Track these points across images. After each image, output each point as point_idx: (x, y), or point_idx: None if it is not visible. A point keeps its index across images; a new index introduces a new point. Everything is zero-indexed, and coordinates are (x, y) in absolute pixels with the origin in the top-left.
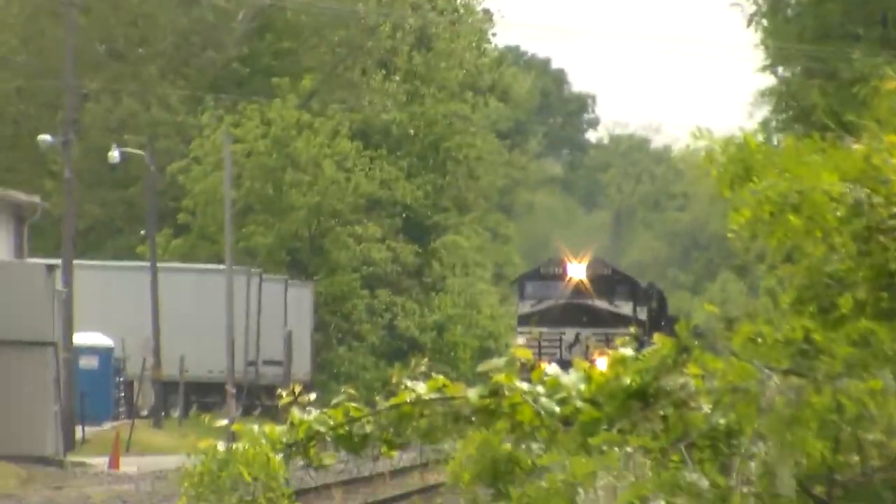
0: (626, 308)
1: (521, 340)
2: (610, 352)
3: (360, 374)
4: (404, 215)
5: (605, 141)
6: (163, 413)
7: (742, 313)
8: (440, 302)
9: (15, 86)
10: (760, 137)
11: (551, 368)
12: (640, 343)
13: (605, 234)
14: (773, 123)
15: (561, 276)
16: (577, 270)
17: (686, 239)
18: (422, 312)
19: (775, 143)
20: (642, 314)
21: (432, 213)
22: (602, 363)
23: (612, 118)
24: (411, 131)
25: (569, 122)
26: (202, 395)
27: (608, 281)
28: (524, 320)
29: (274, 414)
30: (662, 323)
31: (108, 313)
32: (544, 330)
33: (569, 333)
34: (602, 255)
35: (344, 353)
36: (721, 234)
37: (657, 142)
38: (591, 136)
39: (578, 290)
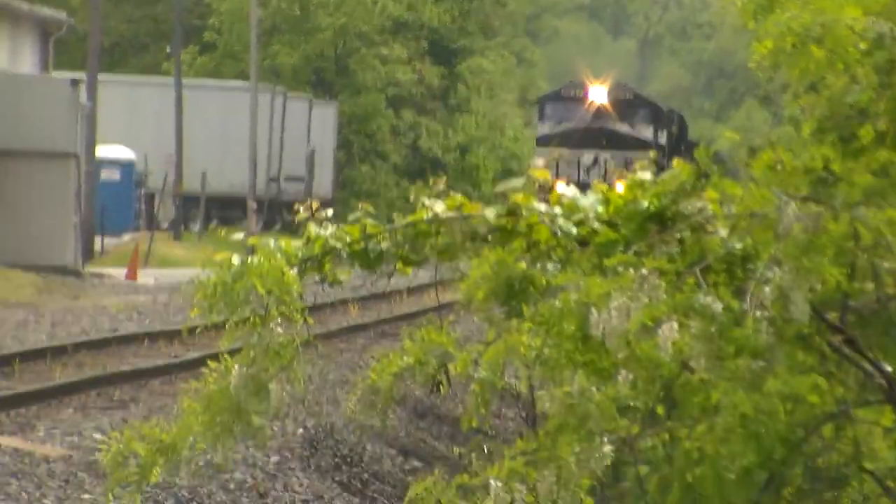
0: (646, 132)
1: (539, 161)
2: (629, 175)
3: (381, 191)
4: (430, 38)
5: None
6: (182, 226)
7: (763, 141)
8: (464, 123)
9: None
10: None
11: (568, 190)
12: (659, 167)
13: (632, 61)
14: None
15: (582, 99)
16: (598, 93)
17: (711, 68)
18: (445, 133)
19: None
20: (662, 139)
21: (458, 37)
22: (621, 187)
23: None
24: None
25: None
26: (223, 210)
27: (629, 105)
28: (543, 141)
29: (294, 230)
30: (682, 148)
31: (131, 128)
32: (563, 151)
33: (587, 155)
34: (625, 80)
35: (366, 171)
36: (746, 63)
37: None
38: None
39: (599, 112)
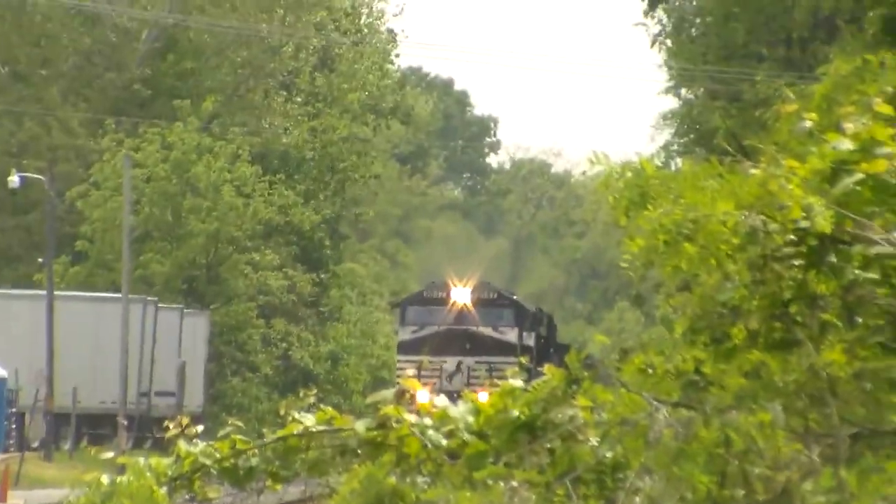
0: (511, 335)
1: (409, 371)
2: (496, 383)
3: (253, 405)
4: (301, 243)
5: (507, 165)
6: (53, 445)
7: (635, 344)
8: (335, 332)
9: None
10: (660, 162)
11: (440, 399)
12: (528, 372)
13: (505, 261)
14: (675, 147)
15: (444, 301)
16: (461, 294)
17: (584, 267)
18: (316, 343)
19: (676, 166)
20: (529, 340)
21: (329, 240)
22: (485, 396)
23: (514, 141)
24: (308, 153)
25: (470, 145)
26: (94, 427)
27: (493, 305)
28: (404, 348)
29: (165, 447)
30: (552, 350)
31: (2, 343)
32: (424, 358)
33: (450, 362)
34: (491, 280)
35: (237, 385)
36: (618, 262)
37: (558, 166)
38: (493, 160)
39: (462, 315)
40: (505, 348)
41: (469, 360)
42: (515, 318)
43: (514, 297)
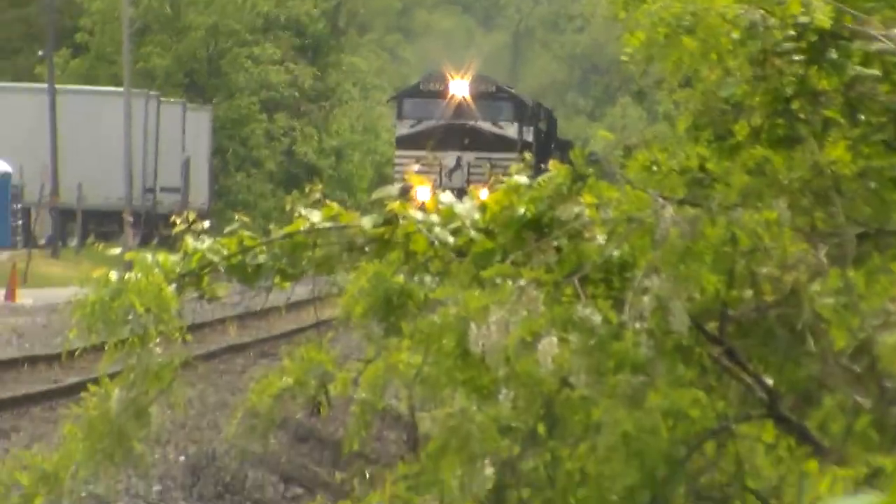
0: (510, 129)
1: (415, 167)
2: (501, 179)
3: (257, 202)
4: (302, 37)
5: None
6: (60, 242)
7: (639, 140)
8: (338, 125)
9: None
10: None
11: (447, 196)
12: (531, 168)
13: (504, 55)
14: None
15: (442, 94)
16: (459, 87)
17: (585, 62)
18: (320, 137)
19: None
20: (529, 136)
21: (329, 34)
22: (483, 193)
23: None
24: None
25: None
26: (100, 224)
27: (493, 98)
28: (403, 142)
29: (171, 244)
30: (552, 146)
31: (4, 138)
32: (422, 154)
33: (449, 157)
34: (493, 74)
35: (242, 180)
36: (619, 57)
37: None
38: None
39: (460, 109)
40: (505, 143)
41: (469, 156)
42: (515, 112)
43: (514, 91)
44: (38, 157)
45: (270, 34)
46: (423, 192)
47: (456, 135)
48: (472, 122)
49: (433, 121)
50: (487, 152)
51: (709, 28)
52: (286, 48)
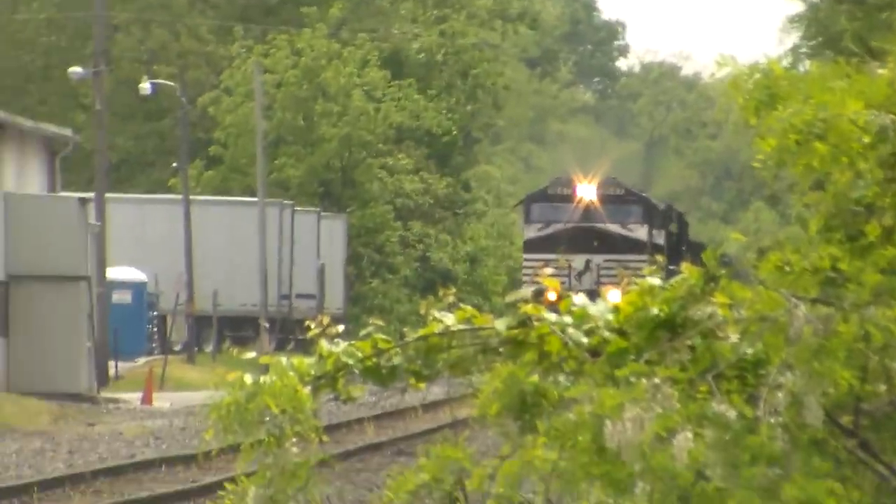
0: (640, 232)
1: (547, 270)
2: (634, 280)
3: (393, 306)
4: (434, 146)
5: (636, 69)
6: (196, 348)
7: (772, 242)
8: (472, 232)
9: (45, 17)
10: (787, 64)
11: (579, 298)
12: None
13: (637, 162)
14: (803, 50)
15: (570, 197)
16: (586, 190)
17: (718, 168)
18: (454, 244)
19: (805, 69)
20: (659, 238)
21: (462, 143)
22: (614, 295)
23: (643, 46)
24: (439, 58)
25: (598, 49)
26: (235, 330)
27: (621, 201)
28: (530, 246)
29: (307, 348)
30: (684, 248)
31: (140, 248)
32: (551, 257)
33: (578, 260)
34: (622, 179)
35: (377, 286)
36: (751, 163)
37: (687, 69)
38: (622, 64)
39: (588, 212)
40: (634, 246)
41: (598, 259)
42: (644, 214)
43: (643, 194)
44: (173, 266)
45: (402, 145)
46: (552, 295)
47: (584, 237)
48: (600, 225)
49: (561, 224)
50: (617, 254)
51: (839, 133)
52: (418, 158)
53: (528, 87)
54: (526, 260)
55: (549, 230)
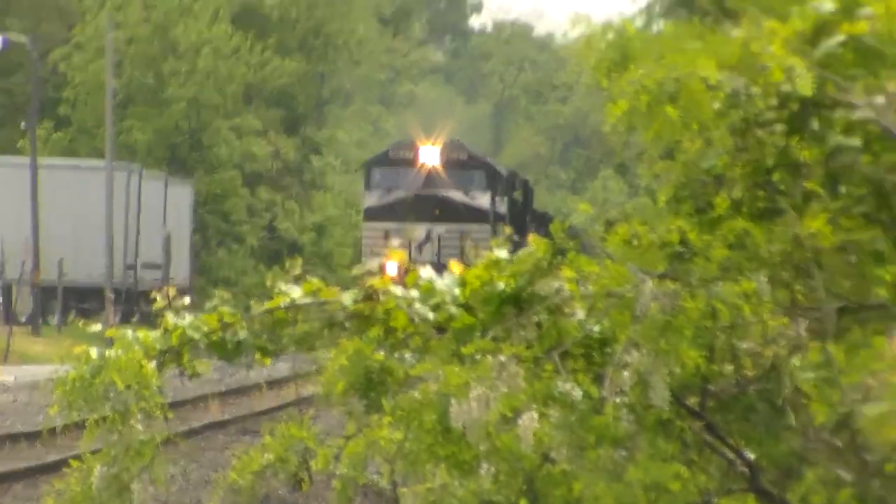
0: (482, 200)
1: (395, 242)
2: (476, 254)
3: (239, 278)
4: (282, 105)
5: (489, 28)
6: (41, 319)
7: (619, 213)
8: (320, 200)
9: None
10: (641, 24)
11: (426, 270)
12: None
13: (487, 127)
14: (657, 8)
15: (412, 161)
16: (429, 155)
17: (567, 134)
18: (301, 213)
19: (659, 29)
20: (502, 206)
21: (311, 102)
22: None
23: (496, 3)
24: (293, 14)
25: (451, 6)
26: (81, 301)
27: (464, 167)
28: (371, 214)
29: (152, 320)
30: (528, 218)
31: None
32: (392, 226)
33: (420, 230)
34: (471, 144)
35: (223, 257)
36: (601, 128)
37: (540, 29)
38: (475, 22)
39: (431, 178)
40: (477, 215)
41: (440, 228)
42: (488, 181)
43: (486, 159)
44: (20, 232)
45: (252, 105)
46: (391, 267)
47: (426, 205)
48: (442, 192)
49: (402, 191)
50: (459, 224)
51: (691, 95)
52: (269, 119)
53: (380, 45)
54: (366, 229)
55: (391, 198)
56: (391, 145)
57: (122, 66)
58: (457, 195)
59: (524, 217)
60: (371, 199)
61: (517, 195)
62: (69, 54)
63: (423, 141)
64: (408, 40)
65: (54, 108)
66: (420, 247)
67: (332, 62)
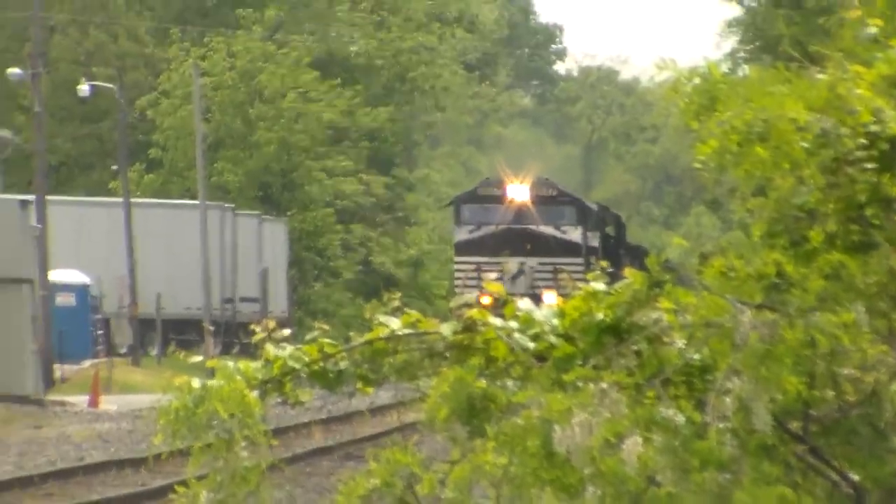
0: (574, 234)
1: (491, 275)
2: (573, 286)
3: (336, 310)
4: (371, 147)
5: (574, 73)
6: (141, 351)
7: (714, 247)
8: (414, 236)
9: None
10: (726, 68)
11: (524, 302)
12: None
13: (577, 167)
14: (741, 54)
15: (500, 198)
16: (517, 191)
17: (658, 173)
18: (396, 248)
19: (743, 73)
20: (594, 240)
21: (400, 144)
22: (550, 298)
23: (581, 49)
24: (378, 62)
25: (536, 53)
26: (180, 333)
27: (553, 203)
28: (462, 249)
29: (252, 352)
30: (621, 252)
31: (82, 250)
32: (483, 260)
33: (511, 263)
34: (544, 173)
35: (320, 290)
36: (692, 167)
37: (626, 73)
38: (560, 67)
39: (520, 213)
40: (569, 248)
41: (532, 261)
42: (578, 216)
43: (576, 195)
44: (115, 269)
45: (341, 146)
46: (485, 299)
47: (517, 240)
48: (532, 227)
49: (492, 226)
50: (551, 257)
51: (781, 135)
52: (357, 159)
53: (466, 91)
54: (457, 263)
55: (480, 232)
56: (480, 183)
57: (211, 111)
58: (547, 230)
59: (617, 250)
60: (461, 235)
61: (609, 230)
62: (156, 100)
63: (510, 178)
64: (494, 85)
65: (144, 151)
66: (513, 279)
67: (419, 106)
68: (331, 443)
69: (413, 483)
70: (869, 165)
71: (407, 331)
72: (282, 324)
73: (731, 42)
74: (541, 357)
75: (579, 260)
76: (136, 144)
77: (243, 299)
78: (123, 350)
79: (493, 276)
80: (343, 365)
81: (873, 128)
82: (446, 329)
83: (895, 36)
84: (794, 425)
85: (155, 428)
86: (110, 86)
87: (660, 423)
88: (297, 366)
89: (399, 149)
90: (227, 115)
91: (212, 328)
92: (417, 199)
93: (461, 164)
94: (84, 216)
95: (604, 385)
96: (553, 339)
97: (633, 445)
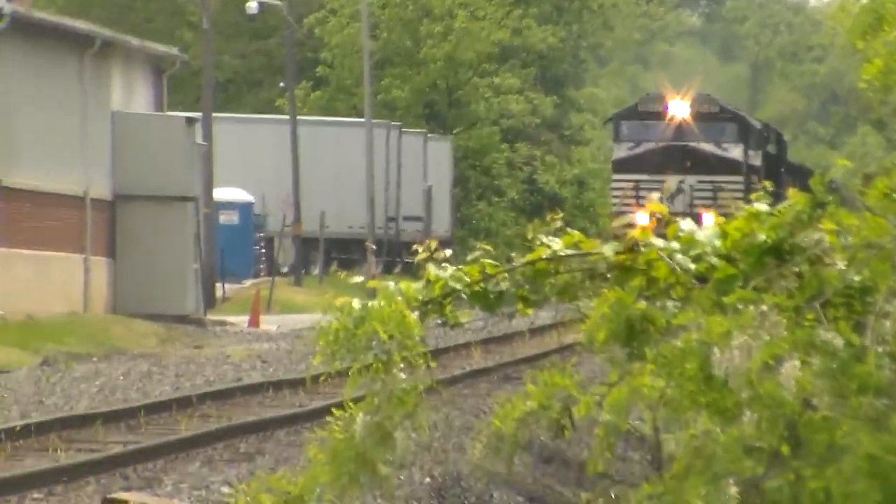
0: (735, 151)
1: (654, 195)
2: (736, 206)
3: (499, 230)
4: (539, 66)
5: None
6: (303, 270)
7: (878, 168)
8: (579, 155)
9: None
10: None
11: (686, 223)
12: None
13: (743, 86)
14: None
15: (661, 115)
16: (678, 107)
17: (823, 92)
18: (561, 166)
19: None
20: (756, 159)
21: (568, 63)
22: (708, 219)
23: None
24: None
25: None
26: (342, 252)
27: (715, 119)
28: (620, 166)
29: (414, 272)
30: (782, 170)
31: (247, 168)
32: (643, 178)
33: (671, 181)
34: (709, 91)
35: (483, 209)
36: (858, 86)
37: None
38: None
39: (681, 130)
40: (729, 166)
41: (691, 179)
42: (739, 133)
43: (739, 112)
44: (281, 187)
45: (508, 64)
46: (641, 218)
47: (677, 157)
48: (693, 144)
49: (652, 143)
50: (711, 175)
51: None
52: (524, 77)
53: (635, 10)
54: (615, 181)
55: (640, 149)
56: (640, 99)
57: (378, 29)
58: (708, 146)
59: (778, 170)
60: (620, 152)
61: (771, 148)
62: (324, 19)
63: (672, 94)
64: (662, 4)
65: (312, 69)
66: (672, 198)
67: (588, 25)
68: (489, 364)
69: (570, 405)
70: None
71: (569, 251)
72: (443, 243)
73: None
74: (701, 278)
75: (739, 178)
76: (304, 62)
77: (406, 218)
78: (285, 269)
79: (656, 195)
80: (504, 286)
81: None
82: (608, 250)
83: None
84: None
85: (314, 349)
86: (279, 2)
87: (818, 346)
88: (457, 286)
89: (567, 68)
90: (394, 33)
91: (374, 247)
92: (583, 118)
93: (627, 81)
94: (250, 133)
95: (764, 307)
96: (714, 260)
97: (792, 369)
